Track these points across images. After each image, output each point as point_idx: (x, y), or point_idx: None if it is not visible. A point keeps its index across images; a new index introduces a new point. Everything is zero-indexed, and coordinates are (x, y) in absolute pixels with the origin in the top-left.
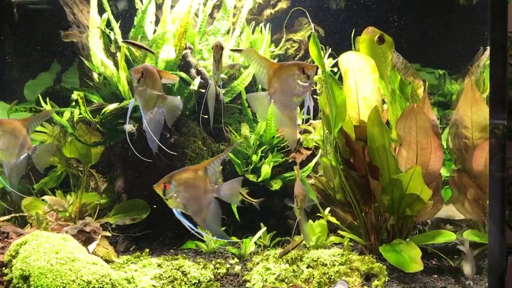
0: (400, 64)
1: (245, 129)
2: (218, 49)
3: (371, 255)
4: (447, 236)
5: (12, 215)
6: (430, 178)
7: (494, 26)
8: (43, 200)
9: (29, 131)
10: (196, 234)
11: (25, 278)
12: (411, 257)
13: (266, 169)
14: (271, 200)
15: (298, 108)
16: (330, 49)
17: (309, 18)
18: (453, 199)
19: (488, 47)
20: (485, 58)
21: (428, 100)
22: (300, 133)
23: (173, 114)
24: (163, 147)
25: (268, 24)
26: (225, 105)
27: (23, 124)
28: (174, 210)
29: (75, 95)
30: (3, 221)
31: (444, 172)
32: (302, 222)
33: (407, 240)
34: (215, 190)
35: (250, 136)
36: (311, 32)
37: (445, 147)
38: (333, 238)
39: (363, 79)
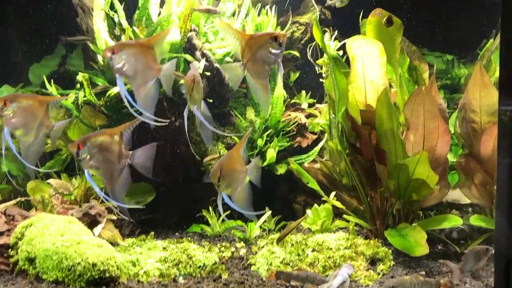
0: (406, 47)
1: (250, 113)
2: (193, 83)
3: (376, 240)
4: (454, 221)
5: (18, 199)
6: (437, 163)
7: (505, 8)
8: (48, 183)
9: (49, 109)
10: (105, 200)
11: (31, 260)
12: (416, 241)
13: (271, 153)
14: (276, 184)
15: (304, 91)
16: (336, 31)
17: (314, 2)
18: (460, 184)
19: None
20: (496, 41)
21: (435, 84)
22: (306, 117)
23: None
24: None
25: (274, 6)
26: (230, 89)
27: (42, 101)
28: (85, 172)
29: (80, 76)
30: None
31: (451, 157)
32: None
33: (413, 224)
34: (129, 155)
35: (256, 120)
36: (317, 14)
37: (452, 131)
38: (338, 223)
39: (370, 63)
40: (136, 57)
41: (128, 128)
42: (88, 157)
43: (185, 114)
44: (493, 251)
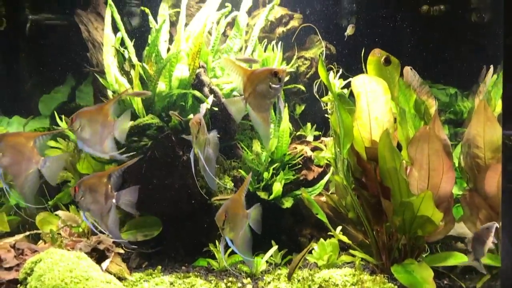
0: (416, 82)
1: (256, 146)
2: (198, 125)
3: (382, 275)
4: (459, 258)
5: (28, 233)
6: (442, 199)
7: (507, 40)
8: (56, 215)
9: (37, 143)
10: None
11: None
12: (423, 278)
13: (277, 187)
14: (282, 217)
15: (310, 124)
16: (341, 69)
17: (320, 36)
18: (464, 218)
19: (491, 66)
20: (490, 76)
21: (439, 120)
22: (311, 150)
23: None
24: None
25: (280, 42)
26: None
27: (28, 137)
28: (82, 214)
29: None
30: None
31: (456, 190)
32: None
33: (418, 260)
34: (114, 196)
35: (262, 153)
36: (322, 51)
37: (456, 164)
38: (344, 258)
39: (375, 101)
40: (89, 122)
41: (116, 171)
42: (82, 199)
43: (191, 156)
44: (496, 225)
